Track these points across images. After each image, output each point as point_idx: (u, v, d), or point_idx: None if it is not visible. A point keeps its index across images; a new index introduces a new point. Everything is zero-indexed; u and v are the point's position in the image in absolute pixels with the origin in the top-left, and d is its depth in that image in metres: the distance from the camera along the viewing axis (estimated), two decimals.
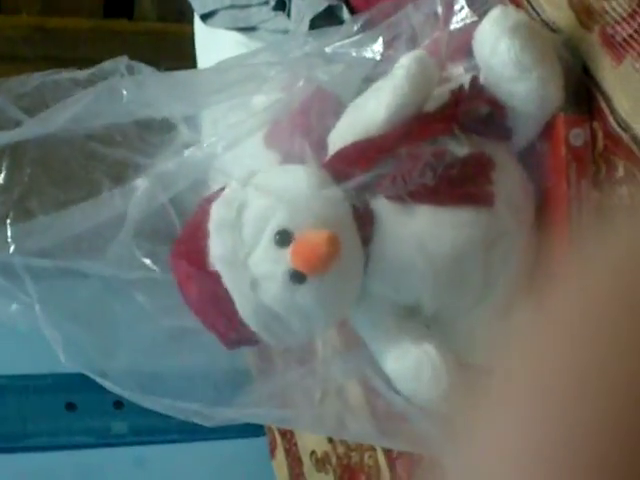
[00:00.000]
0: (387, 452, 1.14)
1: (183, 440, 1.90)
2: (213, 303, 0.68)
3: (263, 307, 0.66)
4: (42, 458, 1.91)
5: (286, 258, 0.65)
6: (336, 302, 0.68)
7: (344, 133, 0.70)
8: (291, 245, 0.65)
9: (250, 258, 0.66)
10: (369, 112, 0.69)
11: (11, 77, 0.69)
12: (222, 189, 0.69)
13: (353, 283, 0.68)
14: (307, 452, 1.43)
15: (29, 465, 1.88)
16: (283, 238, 0.65)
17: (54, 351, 0.70)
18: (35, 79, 0.70)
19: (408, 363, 0.70)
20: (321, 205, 0.66)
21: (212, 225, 0.67)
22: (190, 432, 1.86)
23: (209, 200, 0.69)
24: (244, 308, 0.67)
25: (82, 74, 0.70)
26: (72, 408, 1.97)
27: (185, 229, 0.70)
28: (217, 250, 0.67)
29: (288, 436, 1.52)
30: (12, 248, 0.68)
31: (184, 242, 0.70)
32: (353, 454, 1.26)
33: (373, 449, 1.19)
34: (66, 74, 0.70)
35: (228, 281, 0.66)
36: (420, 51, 0.69)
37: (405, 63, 0.67)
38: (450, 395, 0.69)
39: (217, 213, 0.68)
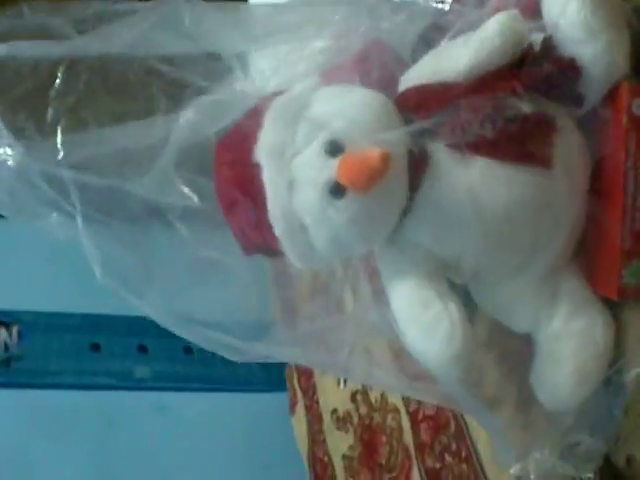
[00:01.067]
0: (412, 415, 1.14)
1: (204, 389, 1.92)
2: (245, 194, 0.66)
3: (294, 212, 0.66)
4: (64, 396, 1.93)
5: (331, 168, 0.64)
6: (367, 227, 0.67)
7: (421, 74, 0.69)
8: (340, 157, 0.64)
9: (296, 158, 0.65)
10: (453, 58, 0.67)
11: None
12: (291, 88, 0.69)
13: (390, 213, 0.67)
14: (328, 410, 1.43)
15: (51, 402, 1.91)
16: (334, 147, 0.64)
17: (82, 291, 0.69)
18: (94, 5, 0.69)
19: (427, 315, 0.69)
20: (380, 128, 0.65)
21: (269, 115, 0.67)
22: (212, 382, 1.88)
23: (277, 94, 0.68)
24: (275, 208, 0.66)
25: (141, 5, 0.69)
26: (96, 349, 1.98)
27: (243, 116, 0.69)
28: (266, 141, 0.66)
29: (310, 393, 1.53)
30: (61, 155, 0.67)
31: (239, 126, 0.69)
32: (375, 415, 1.26)
33: (397, 411, 1.19)
34: (125, 4, 0.69)
35: (267, 176, 0.66)
36: (516, 11, 0.67)
37: (501, 19, 0.66)
38: (460, 360, 0.68)
39: (278, 105, 0.67)
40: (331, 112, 0.66)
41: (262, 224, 0.66)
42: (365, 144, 0.63)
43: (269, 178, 0.65)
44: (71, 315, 1.98)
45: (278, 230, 0.66)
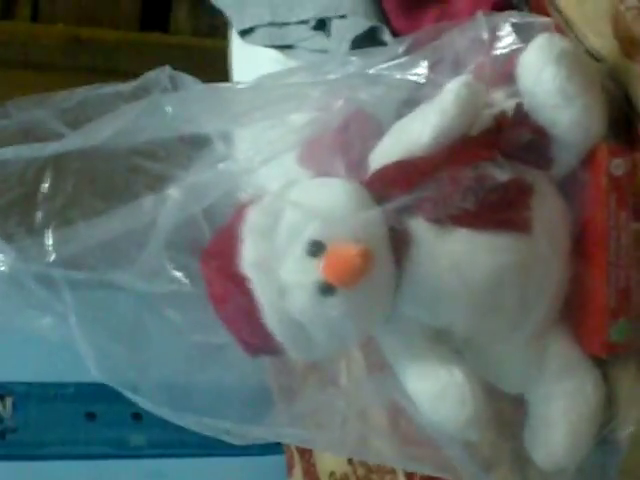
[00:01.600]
0: (408, 476, 1.13)
1: (201, 455, 1.90)
2: (240, 309, 0.67)
3: (290, 316, 0.66)
4: (60, 467, 1.91)
5: (317, 269, 0.64)
6: (363, 317, 0.68)
7: (387, 153, 0.70)
8: (323, 256, 0.64)
9: (281, 266, 0.66)
10: (414, 133, 0.68)
11: (52, 90, 0.70)
12: (259, 196, 0.70)
13: (382, 300, 0.68)
14: (326, 473, 1.42)
15: (47, 473, 1.89)
16: (315, 249, 0.64)
17: (76, 360, 0.70)
18: (78, 94, 0.70)
19: (434, 385, 0.70)
20: (357, 220, 0.66)
21: (246, 230, 0.67)
22: (208, 447, 1.85)
23: (245, 206, 0.69)
24: (271, 316, 0.66)
25: (125, 87, 0.70)
26: (91, 418, 1.97)
27: (218, 233, 0.70)
28: (249, 256, 0.66)
29: (306, 456, 1.52)
30: (52, 257, 0.68)
31: (216, 245, 0.70)
32: (373, 476, 1.26)
33: (394, 472, 1.19)
34: (109, 88, 0.70)
35: (257, 288, 0.66)
36: (469, 76, 0.69)
37: (454, 87, 0.67)
38: (475, 422, 0.69)
39: (253, 219, 0.68)
40: (305, 213, 0.66)
41: (260, 331, 0.67)
42: (345, 239, 0.64)
43: (259, 290, 0.66)
44: (65, 385, 1.97)
45: (278, 334, 0.67)
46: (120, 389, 0.69)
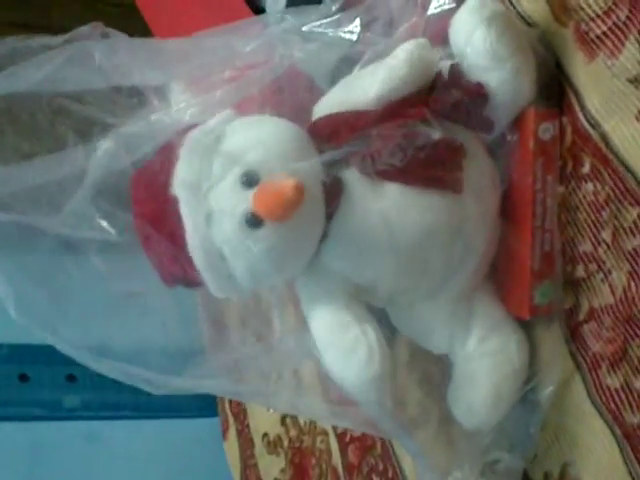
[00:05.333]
0: (339, 437, 1.15)
1: (135, 417, 1.90)
2: (163, 228, 0.66)
3: (212, 244, 0.66)
4: None
5: (248, 200, 0.64)
6: (285, 257, 0.67)
7: (332, 104, 0.70)
8: (255, 188, 0.64)
9: (212, 191, 0.65)
10: (362, 87, 0.69)
11: None
12: (204, 120, 0.69)
13: (307, 242, 0.68)
14: (259, 434, 1.43)
15: None
16: (250, 179, 0.64)
17: (9, 321, 0.69)
18: (7, 44, 0.69)
19: (345, 338, 0.69)
20: (294, 158, 0.66)
21: (185, 148, 0.67)
22: (143, 409, 1.86)
23: (190, 128, 0.68)
24: (193, 240, 0.66)
25: (55, 40, 0.69)
26: (25, 379, 1.96)
27: (159, 150, 0.69)
28: (182, 174, 0.66)
29: (240, 417, 1.52)
30: None
31: (153, 161, 0.69)
32: (305, 437, 1.27)
33: (325, 433, 1.20)
34: (38, 40, 0.69)
35: (185, 209, 0.66)
36: (424, 39, 0.69)
37: (408, 47, 0.68)
38: (379, 382, 0.68)
39: (194, 137, 0.67)
40: (245, 144, 0.66)
41: (181, 257, 0.66)
42: (280, 174, 0.64)
43: (186, 211, 0.65)
44: None
45: (197, 262, 0.66)
46: (38, 331, 0.68)
